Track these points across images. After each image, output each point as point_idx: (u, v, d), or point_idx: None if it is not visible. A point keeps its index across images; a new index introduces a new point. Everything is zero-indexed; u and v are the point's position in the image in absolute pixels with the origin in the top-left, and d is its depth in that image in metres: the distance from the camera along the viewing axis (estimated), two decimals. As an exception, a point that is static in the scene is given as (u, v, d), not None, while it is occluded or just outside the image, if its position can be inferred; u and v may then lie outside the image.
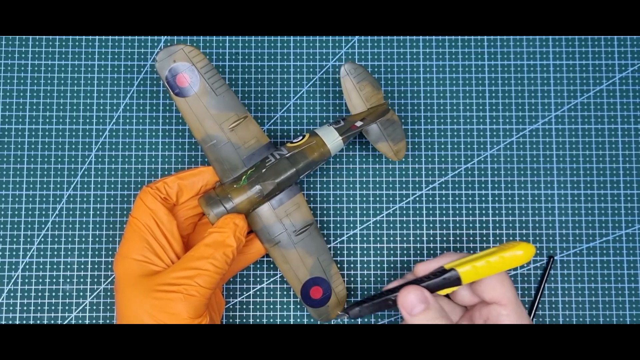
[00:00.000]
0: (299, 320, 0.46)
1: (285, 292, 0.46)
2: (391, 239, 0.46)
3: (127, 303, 0.38)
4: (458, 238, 0.46)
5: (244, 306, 0.45)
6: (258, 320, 0.45)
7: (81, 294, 0.45)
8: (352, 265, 0.46)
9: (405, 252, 0.46)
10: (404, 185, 0.47)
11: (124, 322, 0.38)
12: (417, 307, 0.37)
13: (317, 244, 0.43)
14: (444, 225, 0.46)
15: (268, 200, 0.42)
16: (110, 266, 0.45)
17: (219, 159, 0.41)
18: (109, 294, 0.45)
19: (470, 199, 0.47)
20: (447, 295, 0.42)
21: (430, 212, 0.46)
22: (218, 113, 0.42)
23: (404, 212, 0.46)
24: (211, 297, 0.42)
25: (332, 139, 0.42)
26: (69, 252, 0.45)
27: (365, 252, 0.46)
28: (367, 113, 0.44)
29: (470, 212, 0.46)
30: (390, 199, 0.47)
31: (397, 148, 0.44)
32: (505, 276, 0.39)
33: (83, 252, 0.46)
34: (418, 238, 0.46)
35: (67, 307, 0.45)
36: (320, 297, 0.43)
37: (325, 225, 0.46)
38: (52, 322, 0.45)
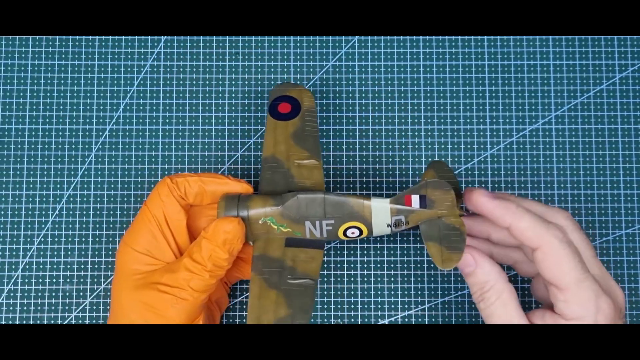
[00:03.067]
0: (299, 320, 0.46)
1: (285, 292, 0.46)
2: (391, 239, 0.46)
3: (118, 295, 0.38)
4: (458, 238, 0.46)
5: (244, 306, 0.45)
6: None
7: (81, 294, 0.45)
8: (352, 266, 0.46)
9: (405, 252, 0.46)
10: (404, 186, 0.47)
11: (112, 312, 0.38)
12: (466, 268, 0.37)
13: (303, 302, 0.37)
14: (444, 225, 0.46)
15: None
16: (110, 266, 0.45)
17: (270, 182, 0.40)
18: (109, 294, 0.45)
19: (470, 199, 0.46)
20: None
21: (430, 212, 0.46)
22: (295, 145, 0.41)
23: (404, 212, 0.46)
24: (212, 295, 0.42)
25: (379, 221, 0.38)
26: (69, 252, 0.45)
27: (365, 252, 0.46)
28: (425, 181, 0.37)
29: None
30: (390, 199, 0.47)
31: (447, 257, 0.36)
32: (566, 257, 0.34)
33: (83, 252, 0.46)
34: (418, 238, 0.46)
35: (67, 307, 0.45)
36: None
37: (325, 225, 0.46)
38: (52, 322, 0.45)
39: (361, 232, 0.39)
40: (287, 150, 0.41)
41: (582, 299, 0.34)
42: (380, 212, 0.38)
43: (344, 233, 0.39)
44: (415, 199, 0.38)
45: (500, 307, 0.36)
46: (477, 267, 0.36)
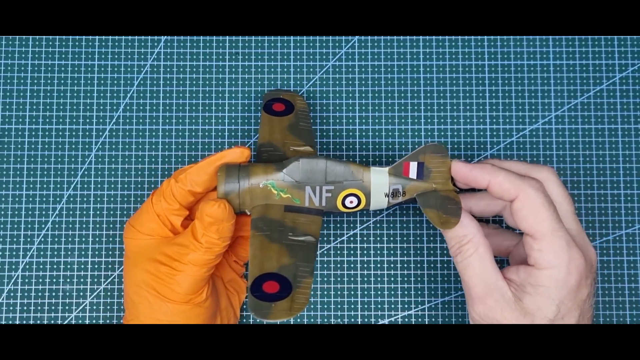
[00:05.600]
0: (299, 320, 0.46)
1: (285, 292, 0.46)
2: (391, 239, 0.46)
3: (130, 270, 0.39)
4: (458, 238, 0.46)
5: (244, 306, 0.45)
6: (258, 320, 0.45)
7: (81, 294, 0.45)
8: (352, 266, 0.46)
9: (405, 252, 0.46)
10: (404, 185, 0.47)
11: (125, 289, 0.40)
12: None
13: (306, 254, 0.37)
14: (444, 225, 0.46)
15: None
16: (110, 266, 0.45)
17: (267, 162, 0.40)
18: (109, 294, 0.45)
19: (470, 199, 0.46)
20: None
21: (430, 212, 0.46)
22: (290, 134, 0.42)
23: (404, 212, 0.46)
24: (223, 275, 0.43)
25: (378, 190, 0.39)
26: (69, 252, 0.46)
27: (365, 252, 0.46)
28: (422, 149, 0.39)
29: (470, 212, 0.46)
30: (390, 199, 0.46)
31: (445, 219, 0.38)
32: (542, 206, 0.36)
33: (83, 252, 0.46)
34: (418, 238, 0.46)
35: (67, 307, 0.45)
36: (272, 293, 0.36)
37: (325, 225, 0.46)
38: (52, 322, 0.45)
39: (359, 201, 0.39)
40: (282, 138, 0.42)
41: (555, 248, 0.35)
42: (379, 180, 0.39)
43: (343, 202, 0.39)
44: (413, 166, 0.39)
45: (477, 260, 0.37)
46: None
